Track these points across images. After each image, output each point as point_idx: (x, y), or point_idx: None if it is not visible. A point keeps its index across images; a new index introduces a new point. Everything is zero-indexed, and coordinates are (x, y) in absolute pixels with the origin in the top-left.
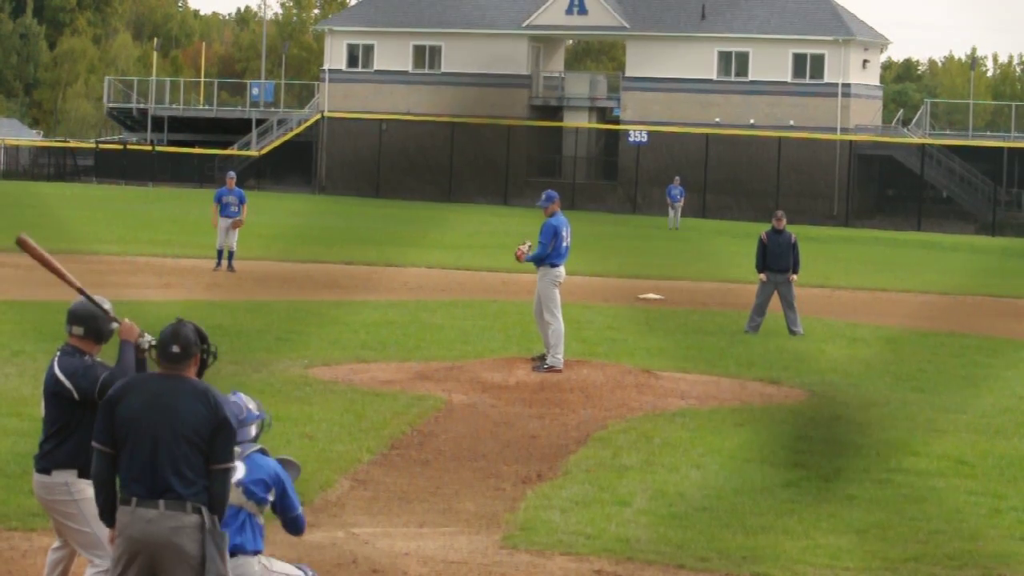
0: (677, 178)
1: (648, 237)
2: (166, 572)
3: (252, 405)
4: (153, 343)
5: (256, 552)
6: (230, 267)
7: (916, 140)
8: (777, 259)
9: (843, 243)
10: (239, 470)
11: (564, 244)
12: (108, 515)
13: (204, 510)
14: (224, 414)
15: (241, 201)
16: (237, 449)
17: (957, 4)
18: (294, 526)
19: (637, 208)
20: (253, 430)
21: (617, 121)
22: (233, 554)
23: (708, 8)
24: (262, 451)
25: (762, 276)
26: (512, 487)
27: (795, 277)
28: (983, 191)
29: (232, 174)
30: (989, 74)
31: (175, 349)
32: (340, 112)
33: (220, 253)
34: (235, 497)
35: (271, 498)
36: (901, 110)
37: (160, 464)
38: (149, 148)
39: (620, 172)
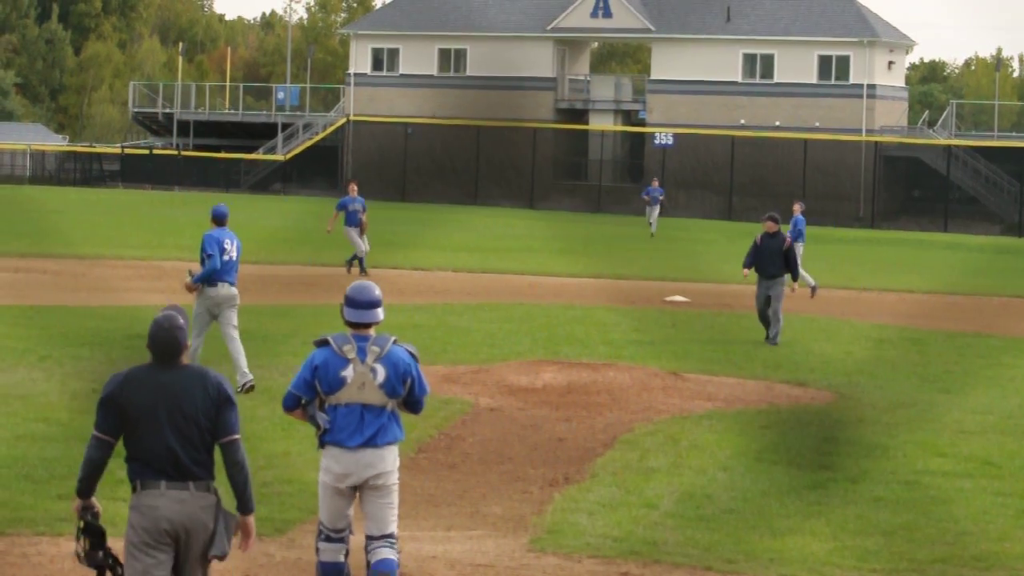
0: (656, 180)
1: (674, 239)
2: (190, 548)
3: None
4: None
5: (398, 440)
6: (362, 270)
7: (942, 141)
8: (764, 263)
9: (869, 245)
10: (379, 373)
11: (227, 258)
12: (89, 488)
13: (218, 491)
14: (226, 393)
15: (363, 208)
16: (376, 349)
17: (982, 5)
18: (416, 408)
19: (663, 211)
20: (380, 313)
21: (642, 123)
22: (388, 444)
23: (733, 10)
24: (395, 342)
25: (745, 271)
26: (539, 490)
27: (796, 285)
28: (1009, 192)
29: (353, 186)
30: (1015, 75)
31: (171, 359)
32: (365, 116)
33: (353, 259)
34: (379, 399)
35: (405, 391)
36: (927, 111)
37: (180, 450)
38: (175, 153)
39: (646, 174)
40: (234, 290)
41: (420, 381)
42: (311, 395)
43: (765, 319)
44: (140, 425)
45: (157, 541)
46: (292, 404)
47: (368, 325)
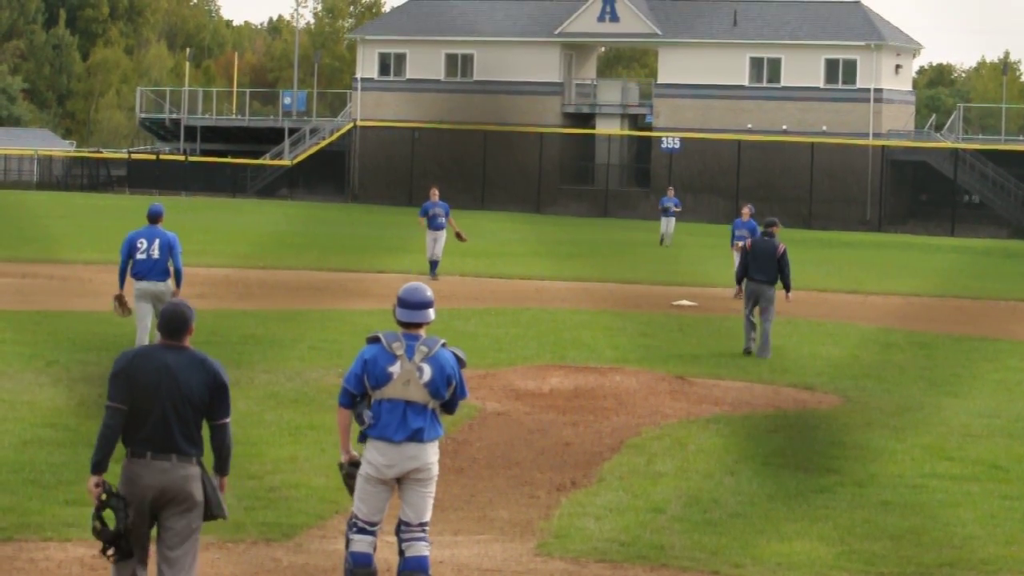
0: (671, 189)
1: (682, 244)
2: (170, 512)
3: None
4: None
5: (440, 437)
6: (432, 274)
7: (949, 145)
8: (753, 268)
9: (876, 248)
10: (425, 372)
11: (140, 256)
12: (106, 460)
13: (203, 463)
14: (221, 379)
15: (446, 213)
16: (424, 349)
17: (990, 8)
18: (452, 408)
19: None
20: (431, 313)
21: (649, 128)
22: (431, 440)
23: (740, 14)
24: (444, 345)
25: (737, 288)
26: (546, 494)
27: (789, 295)
28: (1016, 195)
29: (435, 191)
30: (1022, 79)
31: (177, 335)
32: (372, 121)
33: (433, 264)
34: (422, 397)
35: (448, 395)
36: (934, 115)
37: (171, 426)
38: (182, 158)
39: (653, 179)
40: (159, 286)
41: (461, 385)
42: (361, 389)
43: (750, 325)
44: (141, 398)
45: (137, 504)
46: (347, 401)
47: (419, 325)
